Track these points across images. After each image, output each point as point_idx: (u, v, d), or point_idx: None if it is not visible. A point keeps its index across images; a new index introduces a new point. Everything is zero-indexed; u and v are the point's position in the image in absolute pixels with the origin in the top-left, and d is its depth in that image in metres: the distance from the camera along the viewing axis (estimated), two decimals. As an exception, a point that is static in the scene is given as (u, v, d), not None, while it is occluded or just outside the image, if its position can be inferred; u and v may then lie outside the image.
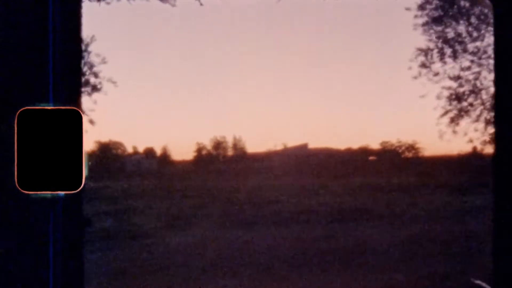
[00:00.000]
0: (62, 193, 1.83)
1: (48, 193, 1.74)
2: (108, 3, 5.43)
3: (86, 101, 8.62)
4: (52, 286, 1.88)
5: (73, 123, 1.81)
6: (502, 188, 2.49)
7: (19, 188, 1.72)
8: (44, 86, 1.88)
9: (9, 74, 1.89)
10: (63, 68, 1.88)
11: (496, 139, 2.57)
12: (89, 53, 8.51)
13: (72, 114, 1.82)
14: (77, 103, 1.95)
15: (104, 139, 10.87)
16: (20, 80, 1.90)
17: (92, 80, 8.64)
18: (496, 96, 2.62)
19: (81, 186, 1.81)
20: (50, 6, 1.85)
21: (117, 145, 11.19)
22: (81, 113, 1.81)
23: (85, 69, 8.55)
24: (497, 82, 2.63)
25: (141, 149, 11.34)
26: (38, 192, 1.74)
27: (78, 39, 1.92)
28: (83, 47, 8.41)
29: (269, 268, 7.46)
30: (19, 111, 1.74)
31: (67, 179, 1.80)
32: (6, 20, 1.87)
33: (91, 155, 10.56)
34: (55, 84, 1.87)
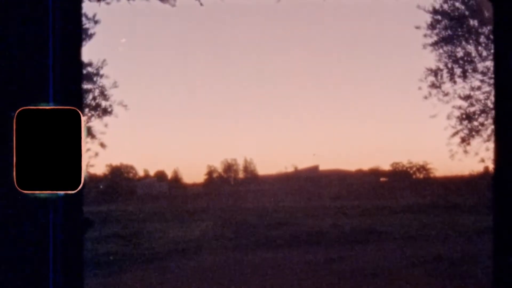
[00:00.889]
0: (61, 193, 1.84)
1: (47, 193, 1.74)
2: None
3: (96, 124, 8.67)
4: (51, 286, 1.88)
5: (72, 123, 1.82)
6: (503, 205, 2.45)
7: (18, 188, 1.73)
8: (44, 86, 1.90)
9: (8, 73, 1.91)
10: (63, 67, 1.90)
11: (496, 146, 2.52)
12: (101, 76, 8.58)
13: (71, 114, 1.83)
14: (77, 103, 1.97)
15: (116, 162, 10.92)
16: (19, 79, 1.92)
17: (103, 103, 8.70)
18: (496, 100, 2.56)
19: (80, 186, 1.82)
20: (50, 5, 1.87)
21: (129, 168, 11.24)
22: (80, 113, 1.82)
23: (96, 92, 8.61)
24: (497, 84, 2.59)
25: (152, 172, 11.37)
26: (37, 192, 1.75)
27: (78, 37, 1.94)
28: (94, 71, 8.50)
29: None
30: (18, 111, 1.75)
31: (66, 179, 1.81)
32: (5, 19, 1.89)
33: (103, 178, 10.60)
34: (55, 83, 1.89)
